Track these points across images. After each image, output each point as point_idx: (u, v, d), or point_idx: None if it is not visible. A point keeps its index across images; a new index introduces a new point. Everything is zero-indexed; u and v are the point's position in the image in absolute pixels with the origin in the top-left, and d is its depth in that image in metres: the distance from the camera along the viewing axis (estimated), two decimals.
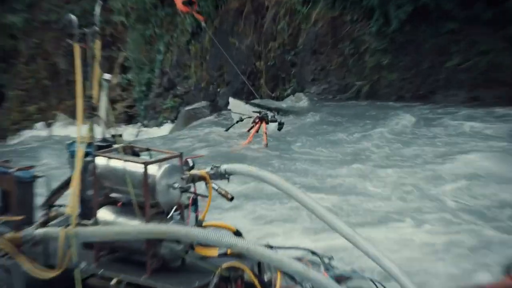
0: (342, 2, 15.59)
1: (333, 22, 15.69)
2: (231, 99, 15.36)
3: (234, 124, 12.98)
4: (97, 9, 4.43)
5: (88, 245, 4.07)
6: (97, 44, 4.24)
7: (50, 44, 25.65)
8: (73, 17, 4.18)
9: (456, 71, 14.23)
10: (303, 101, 15.37)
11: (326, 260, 4.04)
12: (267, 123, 11.79)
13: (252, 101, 15.19)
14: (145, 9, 21.06)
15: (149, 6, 21.05)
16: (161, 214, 3.97)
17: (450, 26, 14.30)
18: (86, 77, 4.19)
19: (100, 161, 4.02)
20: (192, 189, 4.08)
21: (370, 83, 15.13)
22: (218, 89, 18.23)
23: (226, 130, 13.26)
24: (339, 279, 3.91)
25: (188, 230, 3.75)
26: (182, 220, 4.08)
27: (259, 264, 3.98)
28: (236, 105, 14.81)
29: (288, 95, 16.03)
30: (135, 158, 4.05)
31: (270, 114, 12.07)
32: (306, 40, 16.14)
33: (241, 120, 12.64)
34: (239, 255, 3.80)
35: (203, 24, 18.09)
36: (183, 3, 17.38)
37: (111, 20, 22.63)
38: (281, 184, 4.05)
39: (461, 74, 14.16)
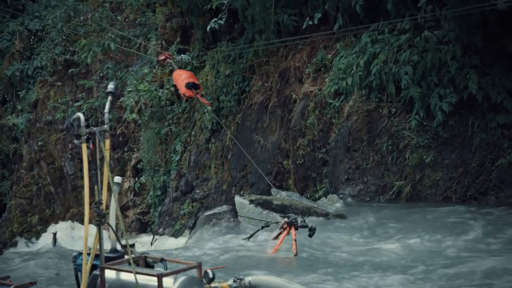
0: (378, 94, 15.73)
1: (369, 116, 15.80)
2: (237, 198, 15.24)
3: (258, 230, 12.95)
4: (107, 106, 4.52)
5: None
6: (107, 144, 4.32)
7: (55, 147, 26.07)
8: (80, 115, 4.28)
9: (510, 170, 14.17)
10: (337, 204, 15.32)
11: None
12: (296, 228, 11.74)
13: (263, 197, 15.09)
14: (160, 105, 21.37)
15: (165, 102, 21.37)
16: None
17: (501, 120, 14.34)
18: (95, 181, 4.24)
19: (109, 274, 4.03)
20: None
21: (411, 183, 15.09)
22: (242, 192, 18.26)
23: (248, 238, 13.20)
24: None
25: None
26: None
27: None
28: (242, 206, 14.63)
29: (319, 197, 16.01)
30: (148, 270, 4.06)
31: (299, 219, 12.04)
32: (339, 136, 16.24)
33: (267, 225, 12.61)
34: None
35: (209, 108, 18.52)
36: (187, 86, 18.06)
37: (122, 118, 23.02)
38: None
39: None
